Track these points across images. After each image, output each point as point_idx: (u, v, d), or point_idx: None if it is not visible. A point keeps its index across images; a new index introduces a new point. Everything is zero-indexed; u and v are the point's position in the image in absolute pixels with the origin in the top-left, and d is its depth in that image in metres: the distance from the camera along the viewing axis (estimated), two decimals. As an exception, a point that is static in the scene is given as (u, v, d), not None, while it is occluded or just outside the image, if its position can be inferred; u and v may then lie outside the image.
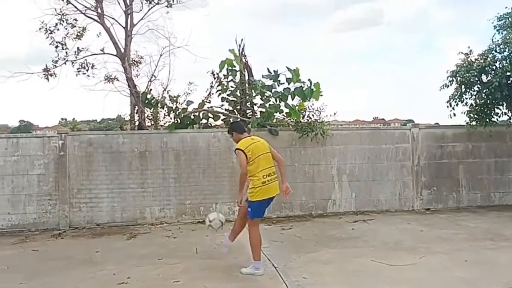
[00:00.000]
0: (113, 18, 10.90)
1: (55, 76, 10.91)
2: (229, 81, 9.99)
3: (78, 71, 11.12)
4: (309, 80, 9.56)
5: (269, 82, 9.77)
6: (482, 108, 9.45)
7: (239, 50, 9.96)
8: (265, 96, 9.73)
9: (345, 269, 5.50)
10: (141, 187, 8.89)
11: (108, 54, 11.06)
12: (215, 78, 10.25)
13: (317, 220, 8.82)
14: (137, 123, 10.37)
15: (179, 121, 9.55)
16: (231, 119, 9.49)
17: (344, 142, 9.53)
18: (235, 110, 9.90)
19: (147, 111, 10.23)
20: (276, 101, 9.69)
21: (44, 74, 10.85)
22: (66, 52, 10.98)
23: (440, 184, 9.78)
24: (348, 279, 5.13)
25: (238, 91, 9.87)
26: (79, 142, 8.84)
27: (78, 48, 11.06)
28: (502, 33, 9.27)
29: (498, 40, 9.24)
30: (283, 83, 9.72)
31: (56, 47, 10.90)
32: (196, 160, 9.03)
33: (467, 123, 9.70)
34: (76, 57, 11.04)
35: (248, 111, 9.84)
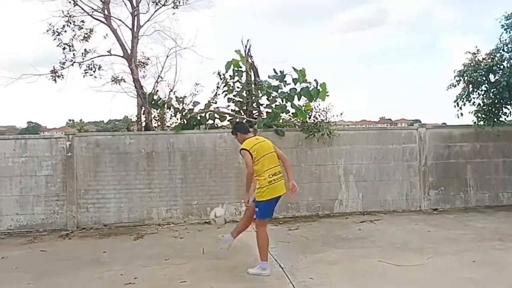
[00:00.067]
0: (119, 20, 10.98)
1: (63, 77, 11.01)
2: (235, 82, 9.99)
3: (85, 73, 11.21)
4: (315, 80, 9.56)
5: (275, 82, 9.77)
6: (490, 108, 9.38)
7: (245, 51, 9.96)
8: (271, 97, 9.72)
9: (352, 270, 5.48)
10: (148, 187, 8.92)
11: (115, 56, 11.14)
12: (221, 79, 10.27)
13: (323, 220, 8.80)
14: (143, 124, 10.41)
15: (185, 122, 9.57)
16: (237, 120, 9.50)
17: (351, 142, 9.51)
18: (241, 111, 9.90)
19: (154, 112, 10.26)
20: (282, 101, 9.68)
21: (52, 76, 10.94)
22: (74, 54, 11.07)
23: (448, 184, 9.72)
24: (355, 280, 5.11)
25: (244, 91, 9.87)
26: (86, 143, 8.89)
27: (85, 49, 11.16)
28: (509, 32, 9.21)
29: (505, 39, 9.18)
30: (289, 84, 9.72)
31: (64, 48, 10.99)
32: (203, 160, 9.04)
33: (474, 122, 9.64)
34: (83, 59, 11.14)
35: (254, 112, 9.84)
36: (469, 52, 9.51)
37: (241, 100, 9.92)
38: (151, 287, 5.14)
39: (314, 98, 9.53)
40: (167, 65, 10.56)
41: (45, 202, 8.71)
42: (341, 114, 9.78)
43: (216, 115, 9.93)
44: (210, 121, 9.90)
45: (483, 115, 9.45)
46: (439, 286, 4.91)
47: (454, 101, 9.55)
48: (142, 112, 10.59)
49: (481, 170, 9.83)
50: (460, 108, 9.51)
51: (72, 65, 11.06)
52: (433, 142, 9.75)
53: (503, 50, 9.19)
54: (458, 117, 9.58)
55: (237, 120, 9.45)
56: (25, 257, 6.75)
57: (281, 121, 9.77)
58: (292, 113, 9.78)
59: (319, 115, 9.59)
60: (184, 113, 9.63)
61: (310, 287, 4.91)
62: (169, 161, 9.00)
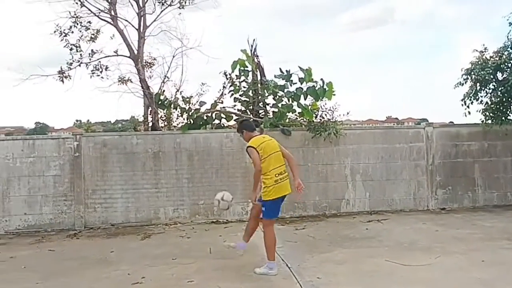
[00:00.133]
0: (126, 20, 11.03)
1: (70, 78, 11.08)
2: (242, 82, 10.00)
3: (92, 73, 11.27)
4: (321, 79, 9.54)
5: (281, 82, 9.77)
6: (497, 106, 9.32)
7: (251, 51, 9.96)
8: (277, 96, 9.72)
9: (359, 269, 5.46)
10: (155, 187, 8.95)
11: (122, 56, 11.19)
12: (227, 79, 10.27)
13: (330, 220, 8.78)
14: (150, 124, 10.45)
15: (192, 121, 9.59)
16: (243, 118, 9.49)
17: (358, 142, 9.48)
18: (247, 110, 9.90)
19: (160, 112, 10.29)
20: (288, 101, 9.67)
21: (59, 76, 11.01)
22: (81, 54, 11.14)
23: (455, 183, 9.66)
24: (362, 280, 5.10)
25: (251, 91, 9.87)
26: (93, 143, 8.93)
27: (92, 50, 11.21)
28: (517, 30, 9.13)
29: (513, 37, 9.11)
30: (296, 83, 9.71)
31: (71, 49, 11.05)
32: (209, 160, 9.05)
33: (482, 121, 9.58)
34: (90, 59, 11.19)
35: (260, 111, 9.84)
36: (477, 50, 9.46)
37: (247, 99, 9.92)
38: (158, 287, 5.15)
39: (321, 98, 9.52)
40: (173, 65, 10.61)
41: (53, 202, 8.76)
42: (348, 113, 9.78)
43: (222, 115, 9.94)
44: (217, 121, 9.91)
45: (491, 114, 9.39)
46: (447, 286, 4.87)
47: (462, 100, 9.50)
48: (148, 112, 10.63)
49: (489, 169, 9.76)
50: (468, 106, 9.46)
51: (79, 65, 11.13)
52: (441, 141, 9.69)
53: (511, 48, 9.11)
54: (465, 115, 9.54)
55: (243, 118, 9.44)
56: (34, 257, 6.79)
57: (287, 120, 9.76)
58: (299, 113, 9.77)
59: (326, 115, 9.58)
60: (190, 113, 9.65)
61: (317, 286, 4.90)
62: (176, 161, 9.02)
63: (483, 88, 9.36)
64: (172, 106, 9.95)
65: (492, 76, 9.05)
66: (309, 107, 9.61)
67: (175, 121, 10.35)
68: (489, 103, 9.43)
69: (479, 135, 9.78)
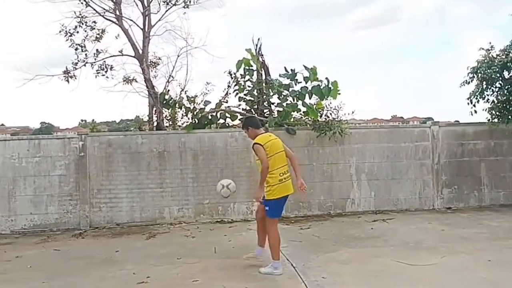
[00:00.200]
0: (131, 20, 11.02)
1: (75, 78, 11.07)
2: (246, 81, 9.99)
3: (97, 73, 11.28)
4: (326, 78, 9.51)
5: (286, 81, 9.76)
6: (504, 105, 9.24)
7: (256, 50, 9.95)
8: (282, 95, 9.71)
9: (364, 269, 5.44)
10: (160, 187, 8.96)
11: (127, 56, 11.18)
12: (232, 78, 10.27)
13: (335, 219, 8.75)
14: (155, 123, 10.45)
15: (196, 121, 9.60)
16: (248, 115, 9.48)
17: (363, 141, 9.44)
18: (252, 110, 9.89)
19: (165, 111, 10.29)
20: (293, 100, 9.66)
21: (65, 76, 11.02)
22: (86, 54, 11.14)
23: (461, 182, 9.60)
24: (368, 279, 5.08)
25: (255, 90, 9.85)
26: (98, 143, 8.96)
27: (97, 50, 11.22)
28: (524, 28, 9.06)
29: (520, 35, 9.04)
30: (301, 82, 9.70)
31: (76, 49, 11.06)
32: (214, 160, 9.05)
33: (488, 120, 9.52)
34: (95, 59, 11.19)
35: (265, 111, 9.82)
36: (483, 49, 9.41)
37: (252, 99, 9.91)
38: (163, 286, 5.16)
39: (326, 97, 9.50)
40: (178, 65, 10.58)
41: (59, 201, 8.80)
42: (353, 112, 9.73)
43: (227, 114, 9.94)
44: (221, 120, 9.92)
45: (497, 113, 9.33)
46: (453, 286, 4.84)
47: (468, 98, 9.44)
48: (153, 111, 10.63)
49: (496, 168, 9.69)
50: (474, 105, 9.40)
51: (85, 65, 11.13)
52: (446, 140, 9.64)
53: (518, 46, 9.06)
54: (471, 114, 9.48)
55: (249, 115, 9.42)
56: (39, 256, 6.82)
57: (292, 119, 9.74)
58: (303, 112, 9.76)
59: (331, 114, 9.56)
60: (195, 113, 9.66)
61: (322, 286, 4.88)
62: (181, 160, 9.02)
63: (489, 87, 9.30)
64: (177, 105, 9.95)
65: (498, 75, 8.99)
66: (314, 106, 9.59)
67: (180, 120, 10.35)
68: (496, 101, 9.36)
69: (485, 134, 9.71)
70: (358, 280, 5.07)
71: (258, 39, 10.05)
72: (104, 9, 10.84)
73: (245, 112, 9.90)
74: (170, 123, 10.47)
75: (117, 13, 10.86)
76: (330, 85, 9.45)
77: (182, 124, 10.19)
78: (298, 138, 9.16)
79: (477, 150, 9.69)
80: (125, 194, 8.89)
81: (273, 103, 9.96)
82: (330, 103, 9.62)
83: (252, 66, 9.86)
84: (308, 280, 5.05)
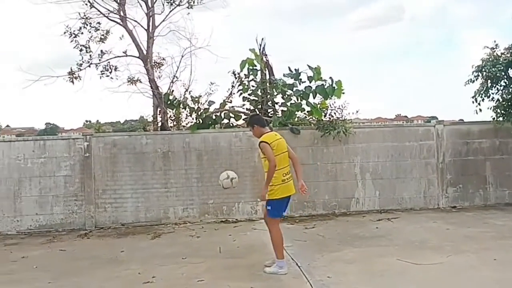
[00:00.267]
0: (135, 21, 11.08)
1: (80, 79, 11.14)
2: (250, 81, 9.99)
3: (102, 74, 11.34)
4: (330, 78, 9.50)
5: (290, 80, 9.75)
6: (509, 103, 9.20)
7: (259, 50, 9.95)
8: (286, 95, 9.70)
9: (369, 269, 5.43)
10: (164, 187, 8.98)
11: (131, 56, 11.24)
12: (236, 78, 10.28)
13: (340, 219, 8.74)
14: (159, 124, 10.49)
15: (201, 121, 9.61)
16: (254, 113, 9.47)
17: (367, 140, 9.42)
18: (256, 110, 9.89)
19: (170, 112, 10.32)
20: (297, 99, 9.65)
21: (69, 77, 11.09)
22: (90, 55, 11.20)
23: (466, 181, 9.57)
24: (373, 279, 5.07)
25: (259, 90, 9.85)
26: (103, 143, 8.99)
27: (101, 51, 11.28)
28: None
29: (525, 33, 9.01)
30: (304, 82, 9.69)
31: (81, 50, 11.13)
32: (218, 160, 9.06)
33: (493, 118, 9.48)
34: (100, 60, 11.26)
35: (269, 110, 9.82)
36: (488, 47, 9.36)
37: (256, 99, 9.91)
38: (169, 286, 5.17)
39: (330, 96, 9.48)
40: (182, 65, 10.64)
41: (64, 202, 8.83)
42: (357, 111, 9.77)
43: (231, 114, 9.95)
44: (225, 120, 9.92)
45: (502, 111, 9.28)
46: (459, 285, 4.83)
47: (473, 97, 9.41)
48: (158, 112, 10.67)
49: (501, 167, 9.65)
50: (479, 104, 9.36)
51: (89, 66, 11.19)
52: (451, 139, 9.60)
53: (523, 44, 9.02)
54: (476, 113, 9.45)
55: (254, 113, 9.41)
56: (45, 257, 6.85)
57: (296, 119, 9.74)
58: (308, 111, 9.75)
59: (335, 113, 9.53)
60: (199, 113, 9.67)
61: (328, 286, 4.88)
62: (185, 160, 9.04)
63: (494, 85, 9.27)
64: (181, 105, 9.96)
65: (503, 73, 8.97)
66: (318, 105, 9.58)
67: (184, 120, 10.37)
68: (501, 100, 9.32)
69: (490, 133, 9.67)
70: (363, 279, 5.06)
71: (262, 39, 10.07)
72: (109, 10, 10.90)
73: (249, 112, 9.90)
74: (175, 123, 10.50)
75: (121, 14, 10.91)
76: (334, 85, 9.43)
77: (187, 124, 10.22)
78: (302, 138, 9.15)
79: (482, 149, 9.65)
80: (130, 194, 8.91)
81: (277, 103, 9.96)
82: (334, 102, 9.62)
83: (256, 66, 9.87)
84: (313, 280, 5.05)
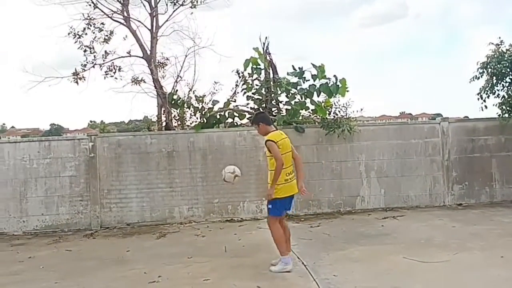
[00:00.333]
0: (139, 21, 11.11)
1: (84, 79, 11.19)
2: (254, 80, 9.97)
3: (106, 74, 11.38)
4: (334, 76, 9.47)
5: (294, 79, 9.72)
6: (515, 100, 9.16)
7: (263, 49, 9.92)
8: (290, 94, 9.68)
9: (375, 267, 5.42)
10: (169, 186, 8.99)
11: (135, 57, 11.28)
12: (240, 77, 10.25)
13: (345, 217, 8.72)
14: (164, 123, 10.50)
15: (205, 120, 9.61)
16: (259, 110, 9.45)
17: (372, 138, 9.39)
18: (260, 109, 9.87)
19: (174, 111, 10.33)
20: (301, 98, 9.63)
21: (74, 78, 11.14)
22: (94, 56, 11.25)
23: (472, 178, 9.51)
24: (380, 277, 5.05)
25: (263, 89, 9.83)
26: (108, 143, 9.00)
27: (105, 51, 11.33)
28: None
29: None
30: (308, 80, 9.65)
31: (85, 51, 11.18)
32: (223, 159, 9.04)
33: (499, 115, 9.42)
34: (104, 60, 11.30)
35: (273, 109, 9.80)
36: (493, 43, 9.29)
37: (260, 97, 9.89)
38: (174, 285, 5.17)
39: (334, 94, 9.45)
40: (186, 65, 10.65)
41: (70, 202, 8.86)
42: (361, 109, 9.72)
43: (235, 113, 9.94)
44: (230, 120, 9.91)
45: (507, 108, 9.22)
46: (466, 283, 4.81)
47: (478, 94, 9.36)
48: (162, 112, 10.68)
49: (507, 164, 9.57)
50: (484, 100, 9.32)
51: (93, 67, 11.24)
52: (456, 136, 9.55)
53: (528, 41, 8.96)
54: (482, 109, 9.41)
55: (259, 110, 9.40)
56: (51, 257, 6.87)
57: (300, 118, 9.71)
58: (312, 110, 9.73)
59: (339, 111, 9.49)
60: (203, 112, 9.68)
61: (334, 284, 4.86)
62: (190, 160, 9.04)
63: (499, 82, 9.21)
64: (185, 105, 9.97)
65: (509, 69, 8.90)
66: (323, 104, 9.56)
67: (189, 120, 10.37)
68: (506, 96, 9.26)
69: (496, 130, 9.61)
70: (369, 277, 5.05)
71: (266, 37, 10.02)
72: (112, 10, 10.94)
73: (253, 111, 9.89)
74: (179, 123, 10.51)
75: (125, 14, 10.94)
76: (338, 83, 9.40)
77: (191, 123, 10.22)
78: (307, 136, 9.14)
79: (488, 146, 9.59)
80: (135, 194, 8.93)
81: (281, 102, 9.93)
82: (339, 100, 9.57)
83: (259, 65, 9.84)
84: (319, 278, 5.04)
